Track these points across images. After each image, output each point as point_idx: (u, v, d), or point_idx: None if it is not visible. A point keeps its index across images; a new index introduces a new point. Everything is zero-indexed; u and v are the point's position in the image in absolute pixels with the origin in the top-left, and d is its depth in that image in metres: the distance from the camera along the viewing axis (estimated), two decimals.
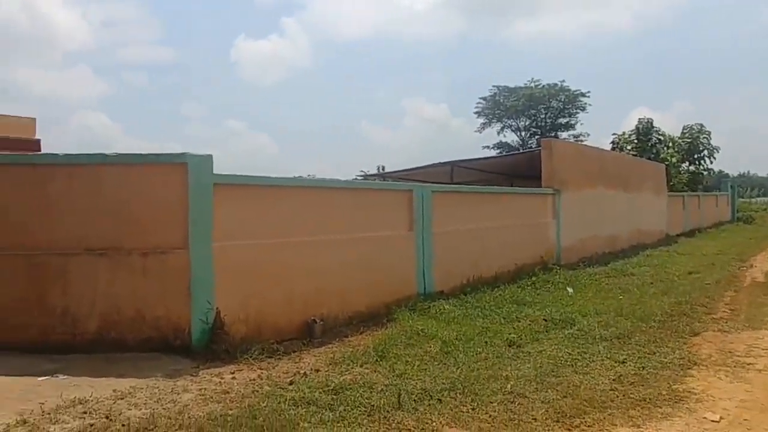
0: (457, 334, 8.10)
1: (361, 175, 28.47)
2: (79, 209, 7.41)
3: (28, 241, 7.32)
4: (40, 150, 12.98)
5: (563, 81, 49.95)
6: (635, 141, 36.67)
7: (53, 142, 24.14)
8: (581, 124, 51.30)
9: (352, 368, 6.77)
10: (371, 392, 5.86)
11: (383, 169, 38.84)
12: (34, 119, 24.82)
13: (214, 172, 7.55)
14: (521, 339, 7.96)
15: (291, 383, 6.26)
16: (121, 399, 5.66)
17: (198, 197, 7.40)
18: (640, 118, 37.31)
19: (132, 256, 7.36)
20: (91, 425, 4.99)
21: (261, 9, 75.27)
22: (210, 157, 7.55)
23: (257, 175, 8.38)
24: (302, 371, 6.72)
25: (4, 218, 7.36)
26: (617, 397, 5.85)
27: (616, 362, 6.98)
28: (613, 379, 6.34)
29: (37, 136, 24.22)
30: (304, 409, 5.41)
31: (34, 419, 5.08)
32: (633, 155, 32.67)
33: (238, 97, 70.29)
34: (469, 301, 10.55)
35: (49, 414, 5.21)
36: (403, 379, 6.32)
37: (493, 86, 51.66)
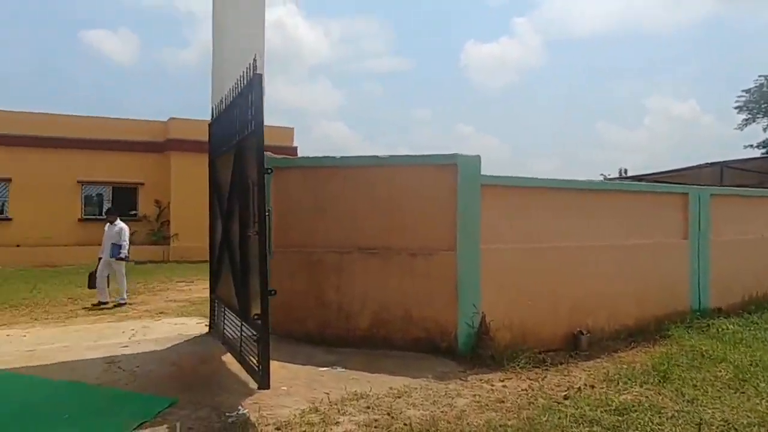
0: (751, 360, 7.08)
1: (603, 178, 27.00)
2: (352, 209, 7.74)
3: (307, 239, 7.81)
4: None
5: None
6: None
7: (299, 150, 26.21)
8: None
9: (630, 387, 6.18)
10: (660, 417, 5.25)
11: (626, 171, 36.40)
12: (293, 128, 27.42)
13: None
14: None
15: (566, 398, 5.87)
16: (399, 397, 5.72)
17: (466, 198, 7.33)
18: None
19: (401, 256, 7.50)
20: (375, 421, 5.07)
21: (491, 12, 74.90)
22: (478, 157, 7.45)
23: (523, 176, 8.09)
24: (575, 386, 6.28)
25: (287, 218, 7.92)
26: None
27: None
28: None
29: (293, 144, 26.79)
30: (587, 429, 4.99)
31: (324, 408, 5.31)
32: None
33: (466, 101, 70.75)
34: (756, 321, 9.25)
35: (335, 405, 5.42)
36: (695, 406, 5.60)
37: (760, 76, 45.33)
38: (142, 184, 25.11)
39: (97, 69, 59.96)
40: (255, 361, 5.21)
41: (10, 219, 23.27)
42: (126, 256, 12.22)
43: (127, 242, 12.26)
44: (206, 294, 12.79)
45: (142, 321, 9.72)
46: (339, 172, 7.87)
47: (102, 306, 11.56)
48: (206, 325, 8.62)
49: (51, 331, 9.03)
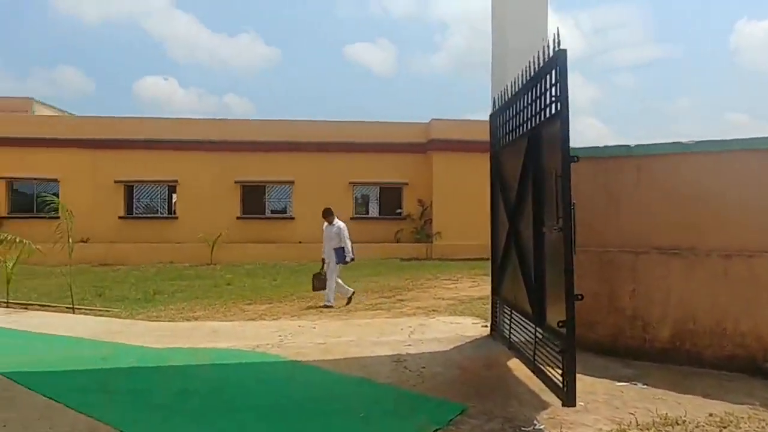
0: None
1: None
2: (647, 204, 6.86)
3: (597, 237, 7.07)
4: None
5: None
6: None
7: None
8: None
9: None
10: None
11: None
12: None
13: None
14: None
15: None
16: (724, 427, 4.78)
17: None
18: None
19: (710, 257, 6.43)
20: None
21: None
22: None
23: None
24: None
25: (578, 213, 7.27)
26: None
27: None
28: None
29: None
30: None
31: None
32: None
33: (737, 87, 61.79)
34: None
35: (646, 429, 4.68)
36: None
37: None
38: (406, 183, 26.10)
39: (360, 78, 64.43)
40: (557, 375, 4.70)
41: (293, 218, 25.69)
42: (352, 258, 12.00)
43: (349, 242, 11.93)
44: (473, 293, 12.69)
45: (417, 318, 9.79)
46: (632, 161, 7.01)
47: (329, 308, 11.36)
48: (483, 326, 8.33)
49: (335, 323, 9.49)
